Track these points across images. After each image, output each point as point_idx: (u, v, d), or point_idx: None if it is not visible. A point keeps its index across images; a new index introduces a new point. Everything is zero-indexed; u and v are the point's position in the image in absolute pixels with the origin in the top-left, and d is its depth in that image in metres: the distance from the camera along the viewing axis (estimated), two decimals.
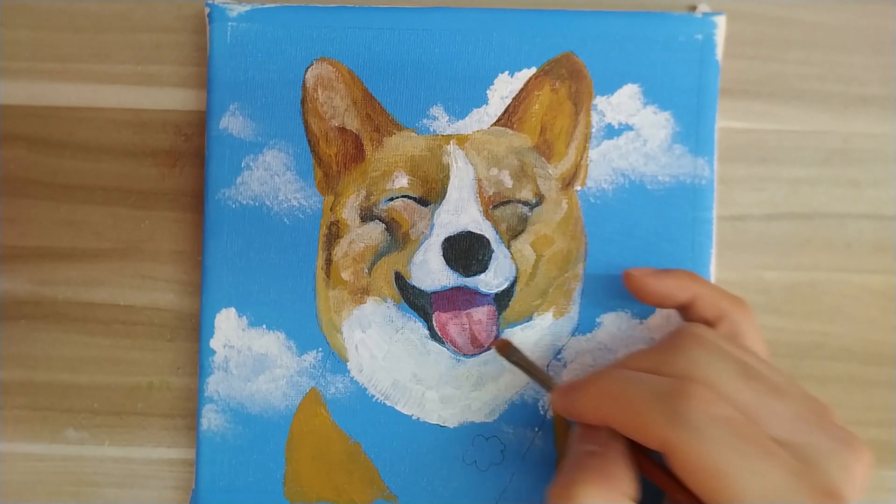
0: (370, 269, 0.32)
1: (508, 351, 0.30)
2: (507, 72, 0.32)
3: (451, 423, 0.31)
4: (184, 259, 0.33)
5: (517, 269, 0.31)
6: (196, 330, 0.32)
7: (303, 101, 0.32)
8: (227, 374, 0.32)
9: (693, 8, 0.33)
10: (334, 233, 0.32)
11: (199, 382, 0.32)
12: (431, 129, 0.32)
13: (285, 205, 0.32)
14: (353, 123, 0.32)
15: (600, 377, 0.25)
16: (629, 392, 0.24)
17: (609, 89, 0.32)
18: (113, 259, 0.33)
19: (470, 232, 0.31)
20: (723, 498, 0.22)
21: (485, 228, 0.31)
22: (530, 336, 0.31)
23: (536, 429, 0.32)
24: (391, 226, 0.32)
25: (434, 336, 0.31)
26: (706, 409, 0.22)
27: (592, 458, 0.24)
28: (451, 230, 0.31)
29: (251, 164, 0.32)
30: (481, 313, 0.31)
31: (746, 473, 0.22)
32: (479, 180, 0.31)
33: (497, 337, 0.31)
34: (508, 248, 0.31)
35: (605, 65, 0.32)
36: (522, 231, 0.31)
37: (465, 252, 0.31)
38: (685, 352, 0.25)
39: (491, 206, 0.31)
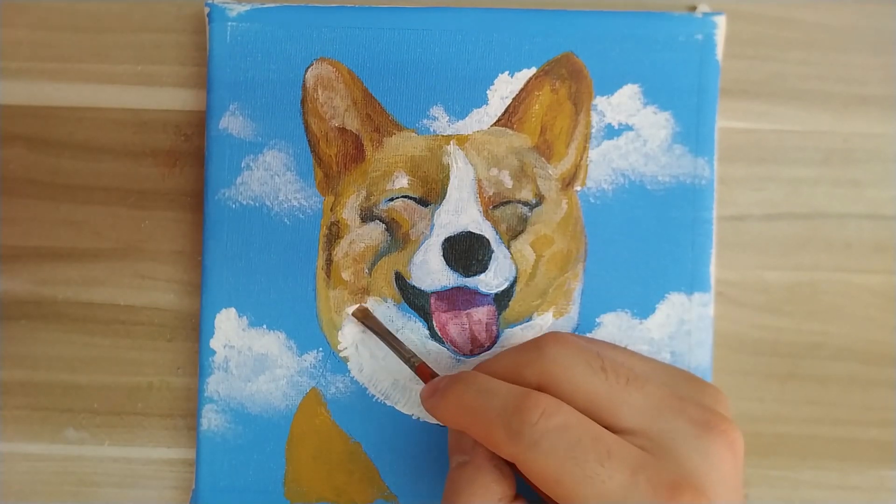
0: (370, 269, 0.32)
1: (365, 316, 0.31)
2: (507, 72, 0.32)
3: None
4: (184, 259, 0.33)
5: (517, 270, 0.31)
6: (196, 330, 0.32)
7: (303, 101, 0.32)
8: (227, 374, 0.32)
9: (693, 8, 0.33)
10: (334, 233, 0.32)
11: (199, 382, 0.32)
12: (431, 130, 0.32)
13: (285, 205, 0.32)
14: (353, 123, 0.32)
15: (458, 384, 0.25)
16: (480, 407, 0.24)
17: (609, 89, 0.32)
18: (113, 259, 0.33)
19: (470, 232, 0.31)
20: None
21: (485, 229, 0.31)
22: (530, 336, 0.31)
23: None
24: (391, 226, 0.32)
25: (434, 336, 0.31)
26: (545, 423, 0.23)
27: (463, 470, 0.25)
28: (451, 230, 0.31)
29: (251, 164, 0.32)
30: (481, 313, 0.31)
31: (582, 480, 0.22)
32: (479, 180, 0.31)
33: (497, 336, 0.31)
34: (508, 248, 0.31)
35: (605, 65, 0.32)
36: (522, 231, 0.31)
37: (465, 252, 0.31)
38: (543, 350, 0.25)
39: (491, 207, 0.31)
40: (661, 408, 0.24)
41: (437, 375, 0.28)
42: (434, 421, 0.31)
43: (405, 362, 0.29)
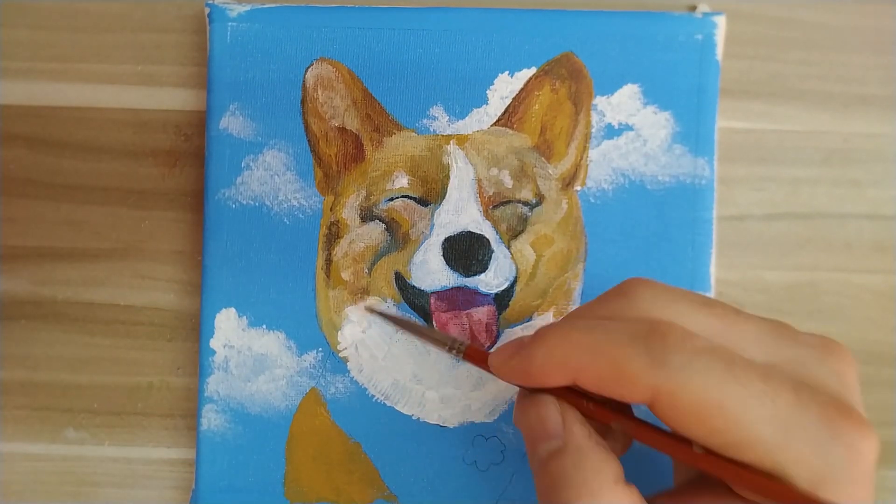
0: (370, 269, 0.32)
1: (390, 319, 0.29)
2: (507, 72, 0.32)
3: (452, 423, 0.31)
4: (184, 259, 0.33)
5: (517, 269, 0.31)
6: (196, 330, 0.32)
7: (303, 101, 0.32)
8: (227, 374, 0.32)
9: (693, 8, 0.33)
10: (334, 233, 0.32)
11: (199, 382, 0.32)
12: (431, 129, 0.32)
13: (285, 205, 0.32)
14: (353, 123, 0.32)
15: (559, 329, 0.22)
16: (602, 340, 0.21)
17: (609, 89, 0.32)
18: (113, 259, 0.33)
19: (470, 232, 0.31)
20: (728, 435, 0.20)
21: (485, 228, 0.31)
22: None
23: None
24: (391, 226, 0.32)
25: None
26: (690, 344, 0.20)
27: (560, 459, 0.21)
28: (451, 230, 0.31)
29: (251, 164, 0.32)
30: (481, 313, 0.31)
31: (749, 400, 0.19)
32: (479, 180, 0.31)
33: (497, 336, 0.31)
34: (508, 248, 0.31)
35: (605, 65, 0.32)
36: (522, 231, 0.31)
37: (465, 252, 0.31)
38: (636, 296, 0.22)
39: (491, 206, 0.31)
40: (776, 335, 0.22)
41: (489, 352, 0.24)
42: (434, 421, 0.31)
43: (448, 349, 0.25)
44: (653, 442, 0.21)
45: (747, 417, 0.19)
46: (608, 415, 0.22)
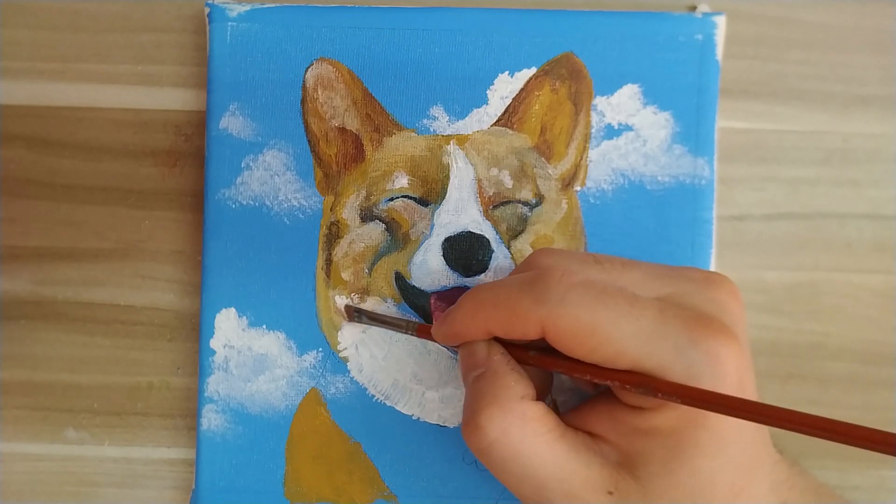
0: (370, 269, 0.32)
1: (356, 314, 0.31)
2: (507, 72, 0.32)
3: (452, 423, 0.31)
4: (184, 259, 0.33)
5: None
6: (196, 330, 0.32)
7: (303, 101, 0.32)
8: (227, 374, 0.32)
9: (693, 8, 0.33)
10: (334, 233, 0.32)
11: (199, 382, 0.32)
12: (431, 129, 0.32)
13: (285, 205, 0.32)
14: (353, 123, 0.32)
15: (472, 292, 0.26)
16: (499, 293, 0.24)
17: (609, 89, 0.32)
18: (113, 259, 0.33)
19: (470, 232, 0.31)
20: (601, 351, 0.23)
21: (485, 228, 0.31)
22: None
23: None
24: (391, 226, 0.32)
25: None
26: (568, 280, 0.23)
27: (481, 380, 0.25)
28: (452, 230, 0.31)
29: (251, 164, 0.32)
30: None
31: (617, 320, 0.22)
32: (479, 180, 0.31)
33: None
34: (508, 248, 0.31)
35: (605, 65, 0.32)
36: (522, 231, 0.31)
37: (466, 252, 0.31)
38: (534, 259, 0.27)
39: (491, 207, 0.31)
40: (662, 276, 0.25)
41: None
42: (434, 421, 0.31)
43: (406, 331, 0.30)
44: (552, 366, 0.25)
45: (615, 335, 0.22)
46: (540, 359, 0.25)
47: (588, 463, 0.24)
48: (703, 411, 0.22)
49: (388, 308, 0.31)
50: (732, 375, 0.22)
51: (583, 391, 0.30)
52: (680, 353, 0.22)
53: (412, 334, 0.30)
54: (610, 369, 0.23)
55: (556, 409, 0.31)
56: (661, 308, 0.23)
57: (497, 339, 0.26)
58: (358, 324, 0.31)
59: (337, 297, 0.31)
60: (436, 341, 0.28)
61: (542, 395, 0.26)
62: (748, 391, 0.23)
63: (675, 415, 0.23)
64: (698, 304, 0.24)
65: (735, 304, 0.24)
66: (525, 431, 0.24)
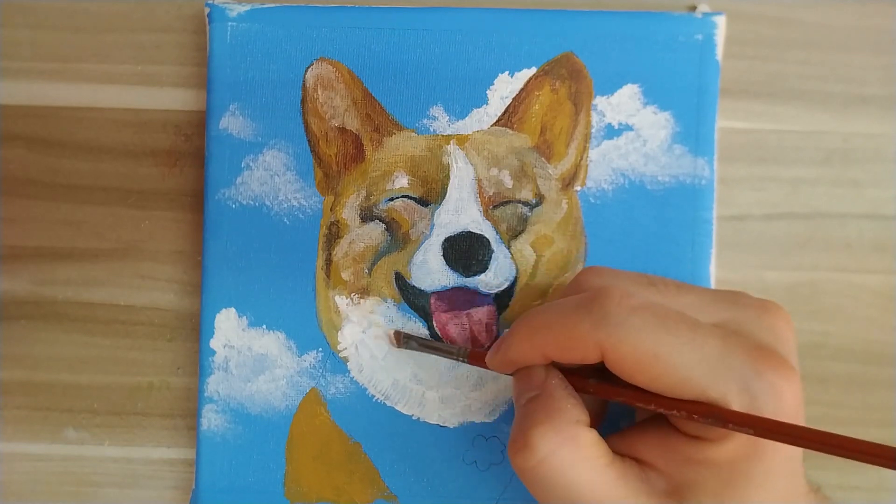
0: (370, 270, 0.32)
1: (405, 340, 0.31)
2: (507, 72, 0.32)
3: (452, 423, 0.31)
4: (184, 259, 0.33)
5: (517, 270, 0.31)
6: (196, 330, 0.32)
7: (303, 101, 0.32)
8: (227, 374, 0.32)
9: (693, 8, 0.33)
10: (334, 233, 0.32)
11: (199, 382, 0.32)
12: (431, 129, 0.32)
13: (285, 205, 0.32)
14: (353, 123, 0.32)
15: (525, 317, 0.25)
16: (554, 316, 0.24)
17: (609, 89, 0.32)
18: (113, 259, 0.33)
19: (470, 232, 0.31)
20: (665, 379, 0.22)
21: (485, 228, 0.31)
22: None
23: None
24: (391, 226, 0.32)
25: (434, 336, 0.31)
26: (626, 303, 0.23)
27: (535, 402, 0.24)
28: (452, 230, 0.31)
29: (251, 164, 0.32)
30: (481, 313, 0.31)
31: (679, 347, 0.22)
32: (479, 180, 0.31)
33: (497, 336, 0.31)
34: (508, 248, 0.31)
35: (605, 65, 0.32)
36: (522, 231, 0.31)
37: (466, 252, 0.31)
38: (585, 279, 0.26)
39: (491, 207, 0.31)
40: (717, 301, 0.25)
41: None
42: (434, 421, 0.31)
43: (458, 358, 0.29)
44: (613, 395, 0.24)
45: (679, 362, 0.22)
46: (600, 387, 0.25)
47: (636, 492, 0.24)
48: (759, 444, 0.22)
49: (388, 308, 0.31)
50: (791, 408, 0.22)
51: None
52: (745, 384, 0.22)
53: (464, 361, 0.29)
54: (677, 399, 0.23)
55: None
56: (725, 336, 0.23)
57: (555, 365, 0.26)
58: (406, 349, 0.31)
59: (337, 298, 0.31)
60: (490, 369, 0.27)
61: (594, 424, 0.25)
62: (801, 422, 0.23)
63: (733, 446, 0.23)
64: (756, 332, 0.23)
65: (790, 333, 0.24)
66: (576, 455, 0.23)
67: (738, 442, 0.22)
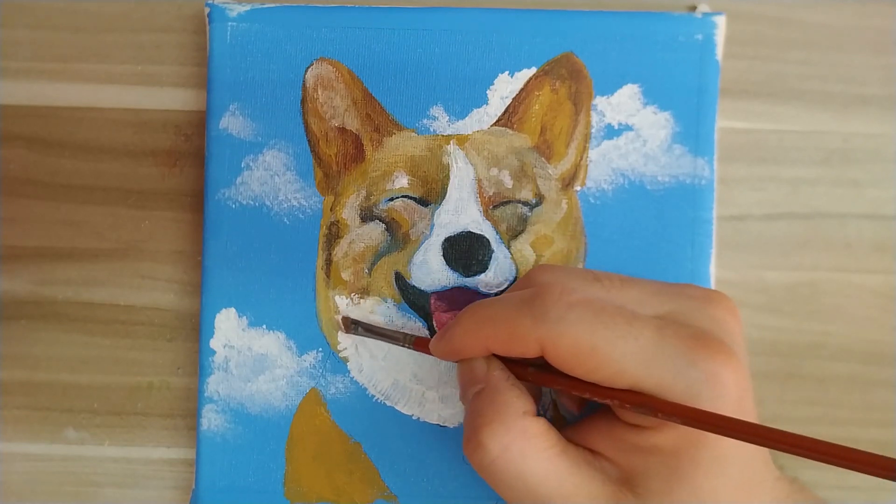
0: (370, 270, 0.32)
1: (353, 326, 0.31)
2: (507, 72, 0.32)
3: (452, 423, 0.31)
4: (184, 259, 0.33)
5: (517, 270, 0.31)
6: (196, 330, 0.32)
7: (303, 101, 0.32)
8: (227, 374, 0.32)
9: (693, 8, 0.33)
10: (334, 233, 0.32)
11: (199, 382, 0.32)
12: (431, 129, 0.32)
13: (285, 205, 0.32)
14: (353, 123, 0.32)
15: (470, 309, 0.26)
16: (498, 311, 0.24)
17: (609, 89, 0.32)
18: (113, 259, 0.33)
19: (470, 232, 0.31)
20: (602, 371, 0.23)
21: (485, 229, 0.31)
22: None
23: None
24: (391, 226, 0.32)
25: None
26: (567, 299, 0.23)
27: (481, 398, 0.25)
28: (452, 230, 0.31)
29: (251, 164, 0.32)
30: None
31: (615, 340, 0.22)
32: (479, 180, 0.31)
33: None
34: (508, 248, 0.31)
35: (605, 65, 0.32)
36: (522, 231, 0.31)
37: (466, 252, 0.31)
38: (534, 275, 0.27)
39: (491, 207, 0.31)
40: (660, 293, 0.25)
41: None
42: (434, 421, 0.31)
43: (403, 344, 0.30)
44: (551, 384, 0.25)
45: (615, 354, 0.22)
46: (539, 376, 0.25)
47: (590, 479, 0.24)
48: (700, 431, 0.22)
49: (388, 308, 0.31)
50: (732, 395, 0.22)
51: (567, 409, 0.30)
52: (679, 373, 0.22)
53: (409, 347, 0.29)
54: (610, 388, 0.23)
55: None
56: (660, 326, 0.23)
57: (496, 355, 0.26)
58: (353, 335, 0.31)
59: (337, 298, 0.31)
60: (434, 355, 0.28)
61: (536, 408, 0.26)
62: (747, 410, 0.23)
63: (676, 434, 0.23)
64: (697, 321, 0.24)
65: (734, 322, 0.24)
66: (527, 448, 0.24)
67: (680, 430, 0.23)
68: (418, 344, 0.29)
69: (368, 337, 0.31)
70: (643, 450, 0.24)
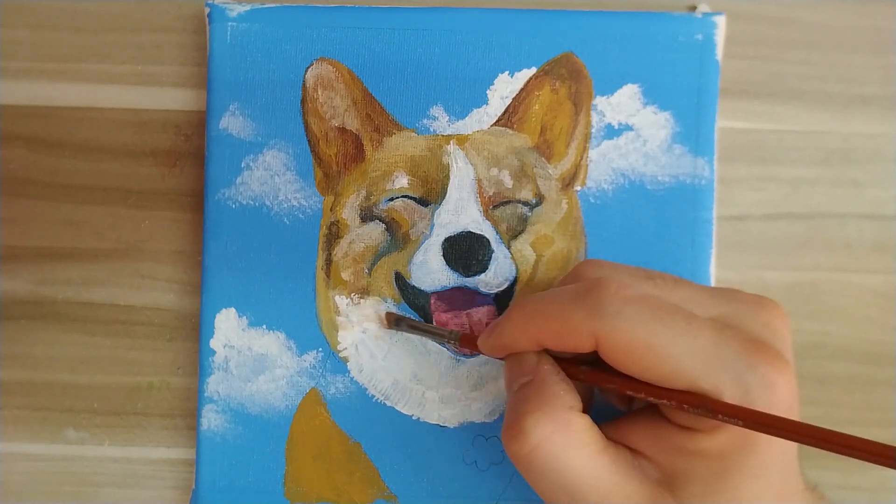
0: (370, 270, 0.32)
1: (396, 322, 0.31)
2: (507, 72, 0.32)
3: (452, 423, 0.31)
4: (184, 259, 0.33)
5: (517, 270, 0.31)
6: (196, 330, 0.32)
7: (303, 101, 0.32)
8: (227, 374, 0.32)
9: (693, 8, 0.33)
10: (334, 233, 0.32)
11: (199, 382, 0.32)
12: (431, 129, 0.32)
13: (285, 205, 0.32)
14: (353, 123, 0.32)
15: (520, 303, 0.25)
16: (550, 304, 0.24)
17: (609, 89, 0.32)
18: (113, 259, 0.33)
19: (470, 232, 0.31)
20: (657, 369, 0.22)
21: (485, 228, 0.31)
22: None
23: None
24: (391, 226, 0.32)
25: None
26: (622, 294, 0.23)
27: (528, 388, 0.25)
28: (451, 230, 0.31)
29: (251, 164, 0.32)
30: (481, 313, 0.31)
31: (673, 338, 0.22)
32: (479, 180, 0.31)
33: None
34: (508, 248, 0.31)
35: (605, 65, 0.32)
36: (522, 231, 0.31)
37: (465, 252, 0.31)
38: (583, 270, 0.26)
39: (491, 207, 0.31)
40: (714, 296, 0.25)
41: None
42: (434, 421, 0.31)
43: (448, 341, 0.29)
44: (604, 382, 0.24)
45: (672, 352, 0.22)
46: (592, 374, 0.25)
47: (628, 478, 0.24)
48: (751, 437, 0.22)
49: (387, 307, 0.31)
50: (785, 402, 0.22)
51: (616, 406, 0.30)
52: (738, 376, 0.22)
53: (455, 345, 0.29)
54: (668, 389, 0.23)
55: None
56: (719, 328, 0.23)
57: (546, 352, 0.26)
58: (396, 330, 0.31)
59: (337, 298, 0.31)
60: (482, 353, 0.27)
61: (584, 410, 0.25)
62: (795, 417, 0.23)
63: (725, 438, 0.23)
64: (752, 327, 0.24)
65: (785, 329, 0.24)
66: (569, 442, 0.23)
67: (730, 434, 0.23)
68: (464, 341, 0.28)
69: (413, 333, 0.31)
70: (688, 452, 0.23)
